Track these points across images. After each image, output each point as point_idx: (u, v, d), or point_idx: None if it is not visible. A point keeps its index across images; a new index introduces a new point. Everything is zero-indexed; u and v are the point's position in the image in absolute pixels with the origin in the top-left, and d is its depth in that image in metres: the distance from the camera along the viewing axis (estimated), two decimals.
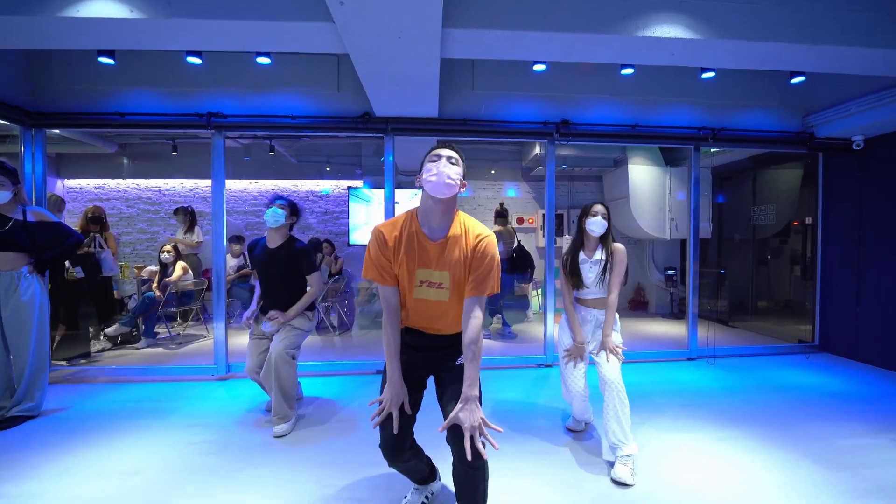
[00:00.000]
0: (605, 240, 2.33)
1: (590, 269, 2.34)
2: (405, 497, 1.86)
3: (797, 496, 1.96)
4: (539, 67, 3.31)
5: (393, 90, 2.99)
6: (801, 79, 3.56)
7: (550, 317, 3.93)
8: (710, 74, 3.44)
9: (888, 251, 3.85)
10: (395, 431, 1.49)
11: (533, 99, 3.75)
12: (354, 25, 2.12)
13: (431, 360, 1.65)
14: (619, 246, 2.33)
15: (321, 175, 6.60)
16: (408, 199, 5.77)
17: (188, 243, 5.22)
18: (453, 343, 1.63)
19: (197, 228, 5.41)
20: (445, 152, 1.49)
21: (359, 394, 3.23)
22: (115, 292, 4.99)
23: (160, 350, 4.37)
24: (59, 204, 4.45)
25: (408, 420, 1.57)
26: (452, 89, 3.62)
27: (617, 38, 2.54)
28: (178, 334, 4.93)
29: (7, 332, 2.70)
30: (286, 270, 2.65)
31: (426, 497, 1.86)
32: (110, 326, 4.44)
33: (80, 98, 3.45)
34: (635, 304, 6.98)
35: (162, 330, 4.83)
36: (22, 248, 2.72)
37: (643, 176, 5.81)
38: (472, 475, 1.48)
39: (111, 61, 3.12)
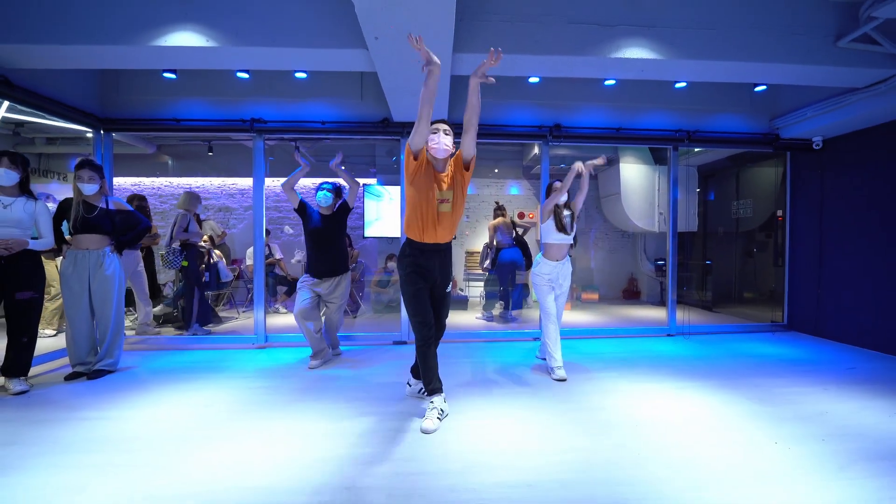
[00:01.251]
0: (567, 204, 3.39)
1: (566, 218, 3.32)
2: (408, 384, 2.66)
3: (729, 422, 2.49)
4: (534, 79, 3.87)
5: (410, 100, 3.56)
6: (763, 87, 4.09)
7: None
8: (682, 84, 3.98)
9: (843, 239, 4.37)
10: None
11: (529, 106, 4.31)
12: (385, 54, 2.70)
13: (437, 264, 2.47)
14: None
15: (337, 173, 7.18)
16: None
17: (217, 233, 5.82)
18: (449, 250, 2.55)
19: (208, 223, 5.98)
20: (442, 126, 2.35)
21: (376, 355, 3.80)
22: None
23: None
24: (193, 201, 4.91)
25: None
26: (460, 98, 4.18)
27: (594, 59, 3.10)
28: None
29: (94, 301, 3.28)
30: (337, 229, 3.51)
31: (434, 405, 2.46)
32: (157, 306, 5.04)
33: (143, 106, 4.06)
34: (628, 294, 7.51)
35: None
36: (105, 232, 3.31)
37: (634, 174, 6.36)
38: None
39: (173, 76, 3.72)
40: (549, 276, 3.29)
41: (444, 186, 2.37)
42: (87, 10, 2.82)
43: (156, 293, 5.30)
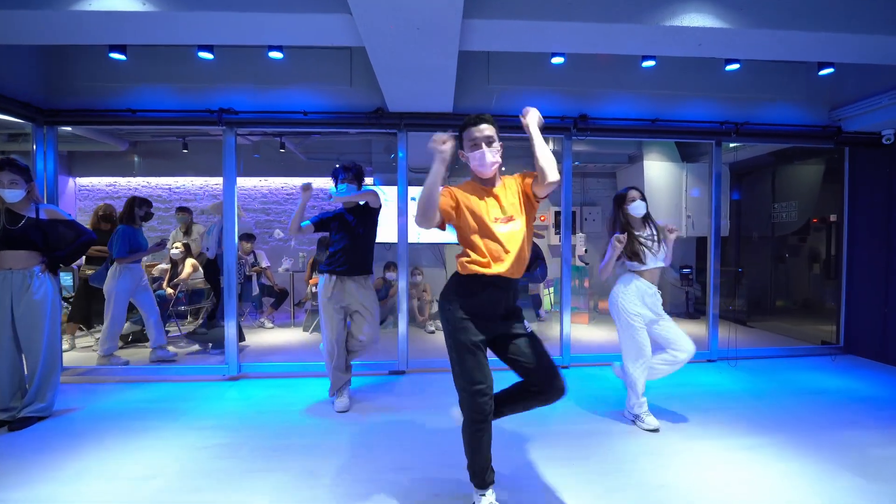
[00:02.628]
0: (647, 218, 2.58)
1: (651, 241, 2.54)
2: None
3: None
4: (557, 60, 3.21)
5: (409, 84, 2.92)
6: (830, 70, 3.42)
7: (567, 317, 3.84)
8: (735, 66, 3.32)
9: None
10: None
11: (550, 93, 3.65)
12: (372, 16, 2.04)
13: (502, 304, 1.78)
14: (659, 223, 2.62)
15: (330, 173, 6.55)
16: (416, 197, 5.68)
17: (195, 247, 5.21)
18: (516, 289, 1.83)
19: (196, 228, 5.37)
20: (484, 135, 1.71)
21: (370, 391, 3.17)
22: None
23: (170, 349, 4.35)
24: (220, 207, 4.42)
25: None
26: (467, 83, 3.53)
27: (642, 29, 2.44)
28: (191, 332, 4.91)
29: (19, 331, 2.67)
30: (368, 223, 2.92)
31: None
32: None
33: (92, 95, 3.42)
34: None
35: (172, 328, 4.81)
36: (34, 247, 2.69)
37: (659, 172, 5.69)
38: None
39: (123, 57, 3.08)
40: (639, 306, 2.52)
41: (501, 205, 1.77)
42: None
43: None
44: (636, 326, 2.51)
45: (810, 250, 5.61)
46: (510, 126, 3.62)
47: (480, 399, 1.67)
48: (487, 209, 1.74)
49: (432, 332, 5.18)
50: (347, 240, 2.85)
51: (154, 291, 4.70)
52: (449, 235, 6.58)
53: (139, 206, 3.83)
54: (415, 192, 5.64)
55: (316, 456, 2.27)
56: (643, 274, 2.56)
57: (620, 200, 2.54)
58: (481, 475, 1.75)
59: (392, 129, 3.55)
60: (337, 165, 2.88)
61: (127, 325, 4.46)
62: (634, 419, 2.64)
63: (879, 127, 3.78)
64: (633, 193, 2.52)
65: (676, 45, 2.63)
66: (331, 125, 3.55)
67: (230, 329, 3.54)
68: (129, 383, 3.39)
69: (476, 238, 1.73)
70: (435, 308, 6.04)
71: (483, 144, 1.71)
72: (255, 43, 2.70)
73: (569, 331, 3.83)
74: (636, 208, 2.51)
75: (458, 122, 3.65)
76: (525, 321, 1.85)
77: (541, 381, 1.77)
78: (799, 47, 2.73)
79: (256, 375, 3.57)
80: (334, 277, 2.82)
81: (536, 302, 5.87)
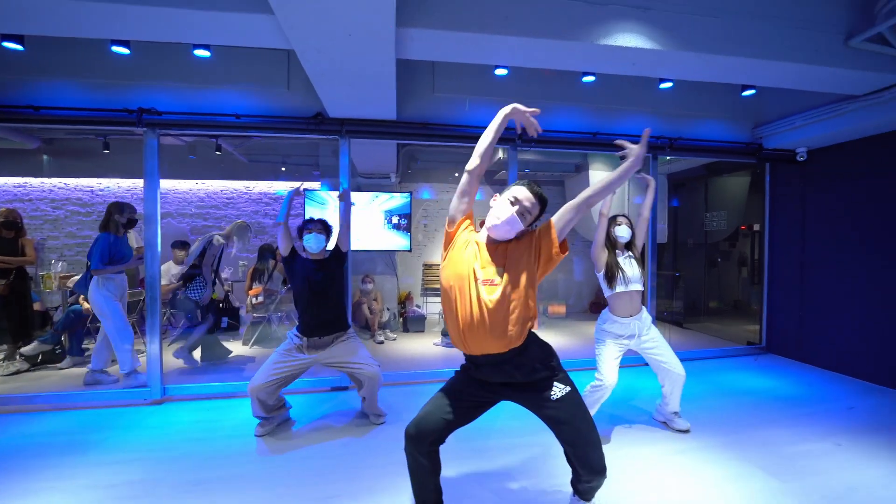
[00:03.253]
0: (630, 246, 2.67)
1: (629, 264, 2.60)
2: None
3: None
4: (501, 72, 3.21)
5: (346, 90, 2.79)
6: (752, 92, 3.67)
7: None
8: (668, 85, 3.47)
9: (829, 257, 4.06)
10: None
11: (495, 104, 3.64)
12: (297, 20, 1.91)
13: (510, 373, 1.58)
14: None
15: (276, 176, 6.24)
16: (367, 203, 5.54)
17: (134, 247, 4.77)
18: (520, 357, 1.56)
19: (133, 233, 4.94)
20: (525, 199, 1.56)
21: (307, 408, 3.01)
22: (35, 304, 4.49)
23: (86, 370, 3.93)
24: (243, 233, 4.15)
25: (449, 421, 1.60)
26: (412, 91, 3.46)
27: (579, 45, 2.48)
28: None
29: None
30: (334, 276, 2.72)
31: None
32: (28, 344, 3.96)
33: None
34: (597, 307, 7.09)
35: (90, 346, 4.36)
36: None
37: None
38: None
39: (19, 47, 2.72)
40: (620, 333, 2.60)
41: (491, 264, 1.56)
42: None
43: (31, 325, 4.21)
44: (600, 352, 2.61)
45: (739, 256, 6.04)
46: (452, 135, 3.61)
47: (406, 435, 1.63)
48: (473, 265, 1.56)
49: (381, 343, 5.05)
50: (310, 300, 2.66)
51: (69, 306, 4.25)
52: (401, 241, 6.43)
53: (119, 213, 3.47)
54: (360, 197, 5.51)
55: (241, 489, 2.10)
56: (618, 304, 2.58)
57: (612, 221, 2.67)
58: None
59: (333, 136, 3.40)
60: (310, 219, 2.76)
61: (34, 344, 4.00)
62: None
63: (795, 145, 4.10)
64: (621, 219, 2.67)
65: (612, 63, 2.70)
66: (267, 129, 3.34)
67: (153, 348, 3.24)
68: (32, 413, 3.01)
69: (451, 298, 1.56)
70: (385, 317, 5.91)
71: (517, 208, 1.55)
72: (171, 40, 2.47)
73: None
74: (620, 231, 2.62)
75: (403, 130, 3.59)
76: (555, 385, 1.58)
77: (575, 457, 1.60)
78: (723, 70, 2.90)
79: (183, 398, 3.29)
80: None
81: None
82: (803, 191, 4.28)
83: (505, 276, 1.52)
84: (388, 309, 6.09)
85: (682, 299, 6.42)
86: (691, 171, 5.91)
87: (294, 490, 2.09)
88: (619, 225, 2.65)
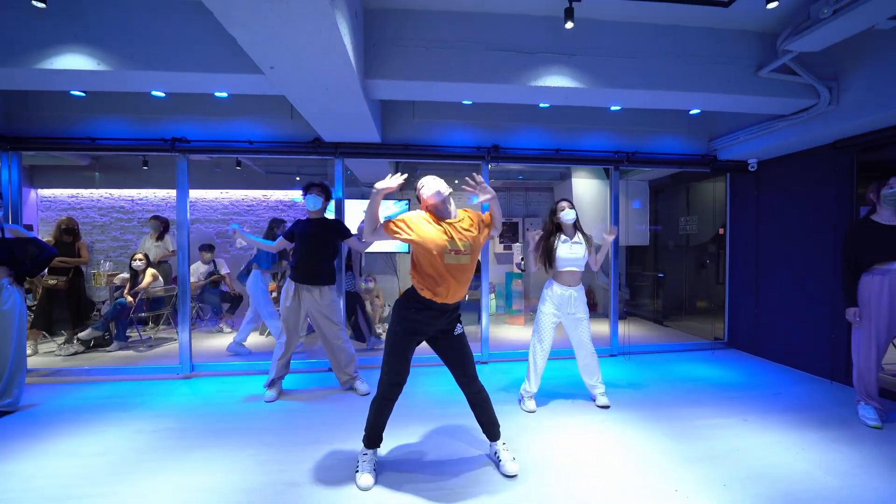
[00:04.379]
0: (577, 226, 3.07)
1: (570, 248, 3.00)
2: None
3: (638, 466, 2.44)
4: (466, 101, 3.78)
5: (334, 122, 3.43)
6: (697, 111, 4.11)
7: (485, 319, 4.42)
8: (617, 108, 3.97)
9: (776, 260, 4.44)
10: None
11: (467, 127, 4.23)
12: (286, 82, 2.56)
13: (441, 321, 2.23)
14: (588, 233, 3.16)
15: (291, 185, 6.99)
16: (361, 212, 6.19)
17: (166, 255, 5.61)
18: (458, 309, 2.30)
19: (168, 237, 5.76)
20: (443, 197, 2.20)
21: (308, 388, 3.66)
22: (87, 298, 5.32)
23: (130, 352, 4.72)
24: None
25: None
26: (394, 118, 4.08)
27: (518, 87, 3.03)
28: (150, 337, 5.27)
29: None
30: (323, 239, 3.38)
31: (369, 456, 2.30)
32: (84, 331, 4.77)
33: (53, 124, 3.81)
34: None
35: (133, 334, 5.17)
36: (2, 262, 3.08)
37: (585, 188, 6.38)
38: (483, 395, 2.33)
39: (82, 94, 3.49)
40: (557, 303, 3.05)
41: (454, 238, 2.12)
42: None
43: (85, 315, 5.04)
44: (539, 320, 3.12)
45: (711, 258, 6.38)
46: (429, 154, 4.20)
47: (394, 388, 2.24)
48: (443, 242, 2.08)
49: (380, 335, 5.67)
50: (302, 250, 3.36)
51: (115, 299, 5.06)
52: (401, 244, 7.00)
53: (277, 226, 4.75)
54: (355, 205, 6.17)
55: (248, 435, 2.76)
56: (560, 276, 3.06)
57: (553, 211, 3.06)
58: (374, 438, 2.31)
59: (328, 156, 4.06)
60: (312, 185, 3.41)
61: (88, 330, 4.82)
62: (519, 400, 3.22)
63: (745, 156, 4.50)
64: (563, 203, 3.01)
65: (549, 98, 3.24)
66: (274, 152, 4.03)
67: (184, 334, 3.96)
68: (88, 382, 3.78)
69: (428, 268, 2.10)
70: (386, 312, 6.55)
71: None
72: (195, 91, 3.17)
73: (487, 333, 4.40)
74: (566, 215, 2.98)
75: (389, 151, 4.21)
76: (460, 324, 2.30)
77: (460, 378, 2.32)
78: (651, 100, 3.39)
79: (208, 374, 4.00)
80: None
81: (475, 307, 6.45)
82: (757, 197, 4.67)
83: (470, 246, 2.16)
84: (388, 305, 6.73)
85: (663, 302, 6.79)
86: (668, 178, 6.30)
87: (288, 436, 2.73)
88: (563, 210, 3.00)
